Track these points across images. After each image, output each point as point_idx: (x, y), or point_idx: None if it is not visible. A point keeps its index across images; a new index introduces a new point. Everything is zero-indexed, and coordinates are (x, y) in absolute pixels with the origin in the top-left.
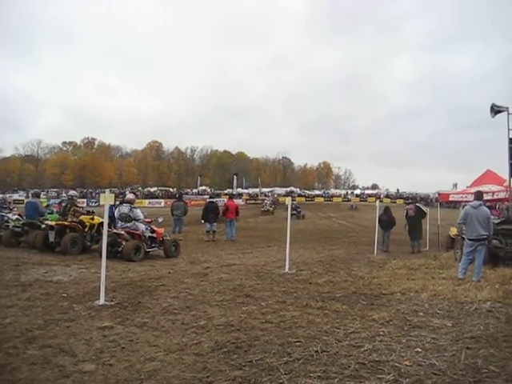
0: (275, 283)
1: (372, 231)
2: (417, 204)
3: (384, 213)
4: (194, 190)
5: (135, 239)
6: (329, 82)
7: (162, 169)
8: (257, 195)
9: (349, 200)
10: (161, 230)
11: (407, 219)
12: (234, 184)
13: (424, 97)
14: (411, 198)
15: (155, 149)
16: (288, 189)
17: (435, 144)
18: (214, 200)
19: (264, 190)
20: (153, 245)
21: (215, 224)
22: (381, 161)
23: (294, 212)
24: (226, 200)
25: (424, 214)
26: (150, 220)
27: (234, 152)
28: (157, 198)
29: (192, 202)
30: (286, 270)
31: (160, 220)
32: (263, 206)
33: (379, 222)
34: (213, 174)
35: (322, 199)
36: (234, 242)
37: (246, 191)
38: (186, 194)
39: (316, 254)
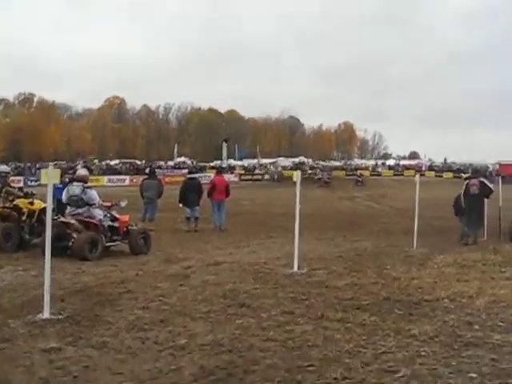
0: (280, 287)
1: (410, 215)
2: (481, 179)
3: (470, 186)
4: (170, 163)
5: (90, 230)
6: (357, 13)
7: (125, 134)
8: (254, 168)
9: (378, 174)
10: (125, 218)
11: (466, 198)
12: (224, 154)
13: (489, 34)
14: (474, 171)
15: (116, 107)
16: (296, 159)
17: (501, 96)
18: (196, 176)
19: (264, 161)
20: (114, 237)
21: (197, 208)
22: (424, 121)
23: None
24: (212, 175)
25: (489, 193)
26: (109, 204)
27: (222, 110)
28: (119, 173)
29: (167, 179)
30: (295, 268)
31: (123, 204)
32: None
33: (463, 198)
34: (194, 140)
35: (342, 173)
36: (223, 232)
37: (239, 163)
38: (159, 168)
39: (334, 248)
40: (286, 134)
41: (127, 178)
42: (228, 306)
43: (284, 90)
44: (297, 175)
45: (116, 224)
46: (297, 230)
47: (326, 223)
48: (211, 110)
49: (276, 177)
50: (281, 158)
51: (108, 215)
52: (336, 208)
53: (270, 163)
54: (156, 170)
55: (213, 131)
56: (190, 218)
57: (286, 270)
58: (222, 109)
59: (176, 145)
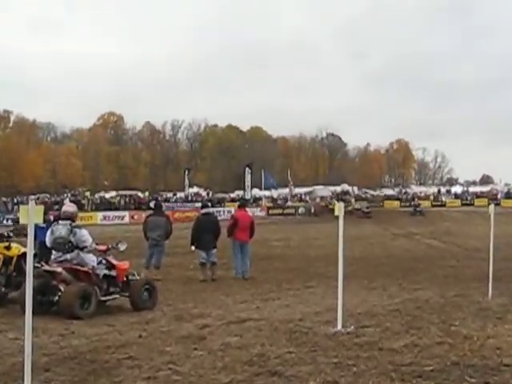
0: (320, 350)
1: (483, 257)
2: None
3: None
4: (180, 195)
5: (81, 281)
6: (411, 4)
7: (124, 159)
8: (286, 200)
9: (442, 204)
10: (124, 265)
11: None
12: (247, 182)
13: None
14: None
15: (112, 126)
16: (338, 188)
17: None
18: (212, 211)
19: (298, 190)
20: (111, 289)
21: (214, 252)
22: (498, 137)
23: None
24: (233, 210)
25: None
26: (105, 248)
27: (244, 128)
28: (117, 209)
29: (176, 216)
30: (339, 326)
31: (122, 247)
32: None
33: None
34: (210, 166)
35: (395, 203)
36: (248, 282)
37: (266, 194)
38: (167, 201)
39: (389, 299)
40: (325, 157)
41: (127, 214)
42: (255, 374)
43: (321, 103)
44: (339, 208)
45: (113, 273)
46: (340, 278)
47: (378, 268)
48: (230, 128)
49: (313, 210)
50: (319, 187)
51: (103, 262)
52: (389, 248)
53: (306, 193)
54: (163, 205)
55: (233, 154)
56: (205, 263)
57: (328, 329)
58: (244, 126)
59: (187, 172)
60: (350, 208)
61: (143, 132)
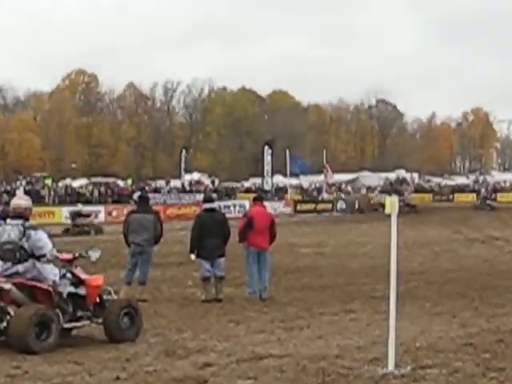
0: None
1: None
2: None
3: None
4: (175, 183)
5: (38, 301)
6: None
7: (98, 135)
8: (319, 190)
9: None
10: (97, 280)
11: None
12: (266, 167)
13: None
14: None
15: (83, 90)
16: (392, 174)
17: None
18: (218, 206)
19: (337, 177)
20: (79, 313)
21: (222, 261)
22: None
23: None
24: (247, 205)
25: None
26: (71, 257)
27: (263, 93)
28: (88, 202)
29: (169, 212)
30: (390, 367)
31: (95, 256)
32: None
33: None
34: (216, 143)
35: (470, 196)
36: (267, 303)
37: (293, 182)
38: (156, 191)
39: (460, 328)
40: (374, 133)
41: (102, 209)
42: None
43: (369, 60)
44: (391, 204)
45: (82, 290)
46: (393, 299)
47: (445, 286)
48: (244, 93)
49: (357, 205)
50: (365, 173)
51: (68, 275)
52: (461, 259)
53: (347, 182)
54: (150, 197)
55: (247, 129)
56: (209, 278)
57: (375, 370)
58: (264, 90)
59: (184, 153)
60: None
61: (125, 98)
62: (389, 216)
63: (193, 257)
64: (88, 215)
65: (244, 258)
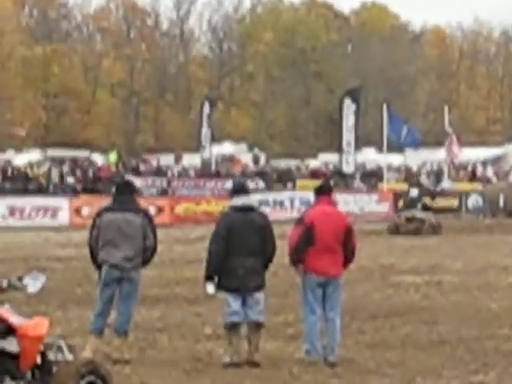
0: None
1: None
2: None
3: None
4: (191, 160)
5: None
6: None
7: (60, 75)
8: (436, 177)
9: None
10: (37, 327)
11: None
12: (347, 134)
13: None
14: None
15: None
16: None
17: None
18: (253, 202)
19: (469, 153)
20: (7, 381)
21: (261, 297)
22: None
23: None
24: (311, 201)
25: None
26: None
27: (345, 9)
28: (42, 190)
29: (179, 208)
30: None
31: (35, 286)
32: None
33: None
34: (264, 91)
35: None
36: (337, 370)
37: (394, 161)
38: (159, 173)
39: None
40: None
41: (65, 203)
42: None
43: None
44: None
45: (11, 345)
46: None
47: None
48: (314, 7)
49: (503, 202)
50: None
51: None
52: None
53: (487, 162)
54: (134, 186)
55: (318, 68)
56: (238, 324)
57: None
58: (346, 3)
59: (208, 107)
60: None
61: (107, 13)
62: None
63: (210, 288)
64: None
65: (298, 291)
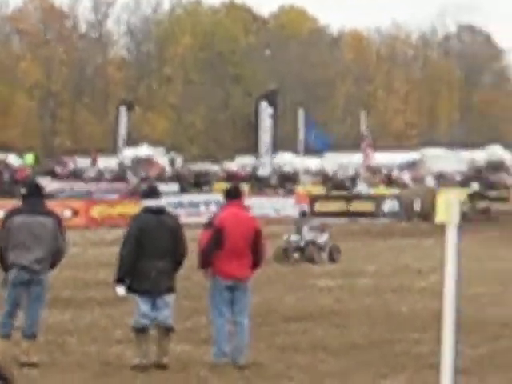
0: None
1: None
2: None
3: None
4: (107, 162)
5: None
6: None
7: None
8: (352, 181)
9: None
10: None
11: None
12: (263, 137)
13: None
14: None
15: None
16: (482, 152)
17: None
18: (164, 204)
19: (385, 157)
20: None
21: (171, 300)
22: None
23: None
24: (220, 201)
25: None
26: None
27: (264, 12)
28: None
29: (95, 211)
30: None
31: None
32: None
33: None
34: (181, 94)
35: None
36: (245, 373)
37: (310, 164)
38: (75, 176)
39: None
40: (452, 81)
41: None
42: None
43: None
44: (448, 207)
45: None
46: (448, 371)
47: None
48: (232, 10)
49: (419, 207)
50: (434, 151)
51: None
52: None
53: (402, 165)
54: (43, 187)
55: (235, 71)
56: (147, 327)
57: None
58: (264, 6)
59: (125, 110)
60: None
61: (25, 14)
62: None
63: (121, 291)
64: None
65: (208, 294)
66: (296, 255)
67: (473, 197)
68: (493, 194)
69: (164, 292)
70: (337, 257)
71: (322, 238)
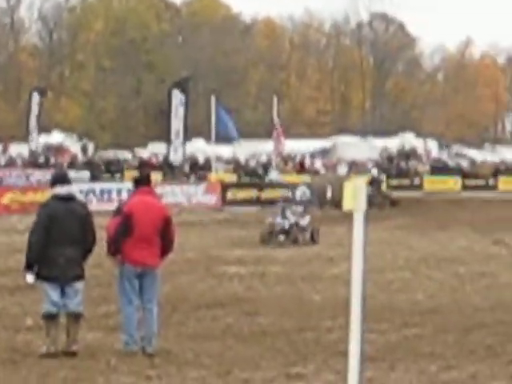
0: None
1: None
2: None
3: None
4: (19, 149)
5: None
6: None
7: None
8: (266, 168)
9: None
10: None
11: None
12: (175, 124)
13: None
14: None
15: None
16: (394, 139)
17: None
18: (74, 191)
19: (297, 145)
20: None
21: (80, 287)
22: None
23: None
24: (129, 188)
25: None
26: None
27: None
28: None
29: (6, 198)
30: None
31: None
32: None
33: None
34: (93, 80)
35: None
36: (156, 361)
37: (222, 152)
38: None
39: None
40: (365, 68)
41: None
42: None
43: None
44: (353, 193)
45: None
46: (355, 358)
47: (468, 336)
48: None
49: (330, 194)
50: (347, 139)
51: None
52: (500, 289)
53: (314, 153)
54: None
55: (148, 58)
56: (56, 315)
57: None
58: None
59: (37, 97)
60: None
61: None
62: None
63: (30, 278)
64: None
65: (117, 282)
66: (281, 237)
67: (372, 184)
68: (405, 181)
69: (73, 279)
70: (317, 238)
71: (304, 221)
